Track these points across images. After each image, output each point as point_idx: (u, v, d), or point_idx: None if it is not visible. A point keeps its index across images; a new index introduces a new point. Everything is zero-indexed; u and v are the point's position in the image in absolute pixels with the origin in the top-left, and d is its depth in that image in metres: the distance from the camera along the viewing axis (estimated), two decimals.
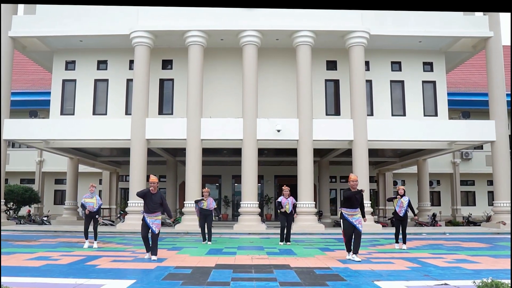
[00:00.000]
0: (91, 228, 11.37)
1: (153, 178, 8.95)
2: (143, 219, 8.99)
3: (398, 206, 10.83)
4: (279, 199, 12.32)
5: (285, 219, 12.19)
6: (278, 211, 12.33)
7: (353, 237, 8.70)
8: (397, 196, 10.99)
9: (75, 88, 20.58)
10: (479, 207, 28.99)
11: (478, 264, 8.21)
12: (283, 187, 12.43)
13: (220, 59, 20.35)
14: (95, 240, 11.39)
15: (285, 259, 8.93)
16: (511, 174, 18.40)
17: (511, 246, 9.77)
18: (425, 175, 24.84)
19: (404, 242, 11.02)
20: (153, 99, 19.94)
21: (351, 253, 8.76)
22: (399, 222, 11.00)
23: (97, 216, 11.34)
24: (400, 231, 11.08)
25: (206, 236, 12.56)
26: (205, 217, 12.53)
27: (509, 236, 14.96)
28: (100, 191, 27.45)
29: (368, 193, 18.33)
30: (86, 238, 11.32)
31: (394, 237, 11.51)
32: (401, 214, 10.81)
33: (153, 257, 8.81)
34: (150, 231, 8.93)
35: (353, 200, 8.73)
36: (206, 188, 13.27)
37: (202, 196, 12.83)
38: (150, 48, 18.76)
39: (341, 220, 8.85)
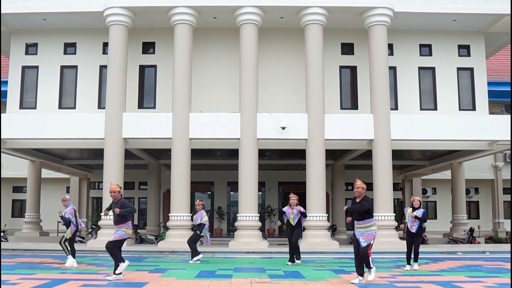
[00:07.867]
0: None
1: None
2: None
3: (410, 221, 11.27)
4: (284, 208, 12.93)
5: (291, 233, 12.60)
6: (283, 224, 12.84)
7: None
8: (410, 208, 11.43)
9: (37, 77, 20.59)
10: None
11: None
12: (290, 195, 12.90)
13: (213, 42, 20.37)
14: None
15: (291, 283, 8.96)
16: None
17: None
18: (460, 181, 24.86)
19: (416, 261, 11.41)
20: (131, 89, 19.96)
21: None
22: (411, 239, 11.35)
23: None
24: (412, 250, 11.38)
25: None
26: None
27: None
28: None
29: (391, 203, 18.39)
30: None
31: (410, 257, 11.52)
32: (413, 230, 11.22)
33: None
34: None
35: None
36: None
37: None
38: (128, 28, 18.77)
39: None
